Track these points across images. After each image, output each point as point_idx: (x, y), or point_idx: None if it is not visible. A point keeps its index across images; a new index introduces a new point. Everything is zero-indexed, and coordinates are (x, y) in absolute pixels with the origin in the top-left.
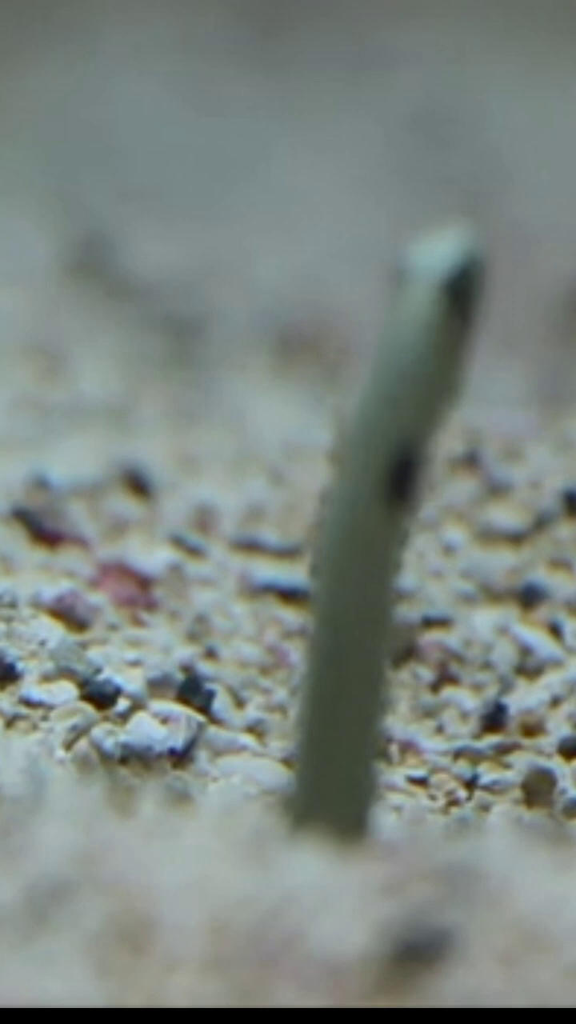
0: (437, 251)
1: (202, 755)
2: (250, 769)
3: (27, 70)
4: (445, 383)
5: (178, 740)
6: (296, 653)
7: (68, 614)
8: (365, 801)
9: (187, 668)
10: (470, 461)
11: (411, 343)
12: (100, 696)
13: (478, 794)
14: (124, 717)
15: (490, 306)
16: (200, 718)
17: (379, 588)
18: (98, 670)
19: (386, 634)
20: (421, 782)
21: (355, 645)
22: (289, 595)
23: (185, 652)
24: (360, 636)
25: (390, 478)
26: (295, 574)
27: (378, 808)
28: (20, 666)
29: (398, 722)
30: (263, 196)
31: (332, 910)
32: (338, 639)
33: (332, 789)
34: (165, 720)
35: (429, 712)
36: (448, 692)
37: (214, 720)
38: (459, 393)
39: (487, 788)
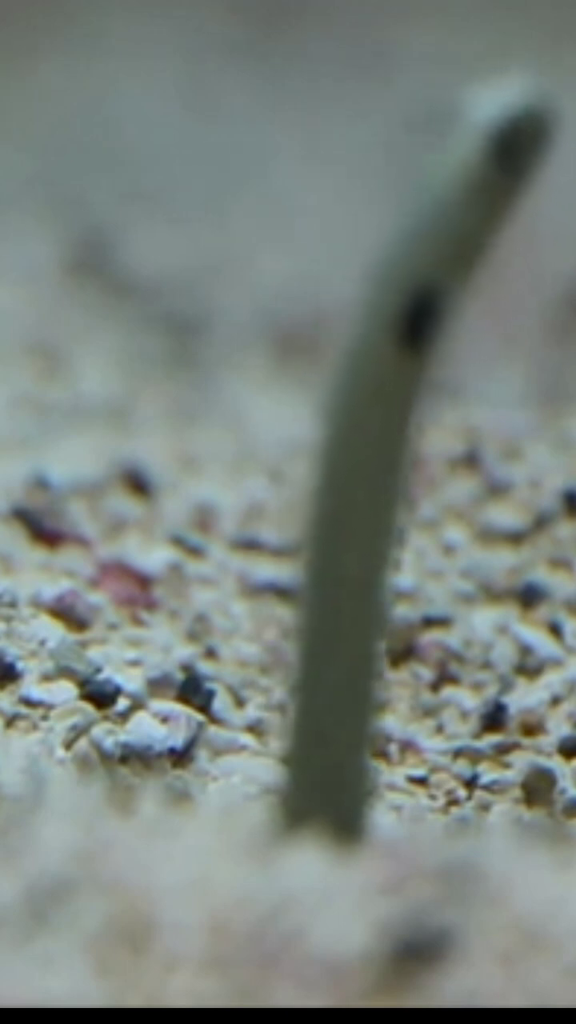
0: (495, 100)
1: (202, 755)
2: (250, 769)
3: (29, 71)
4: (477, 234)
5: (178, 739)
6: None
7: (68, 614)
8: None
9: (187, 668)
10: (470, 461)
11: (445, 188)
12: (100, 695)
13: (478, 794)
14: (124, 717)
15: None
16: (200, 718)
17: (389, 447)
18: (98, 669)
19: (394, 498)
20: (421, 782)
21: (359, 514)
22: (289, 594)
23: (185, 652)
24: (365, 495)
25: (405, 320)
26: (295, 573)
27: (373, 804)
28: (20, 666)
29: (398, 722)
30: (263, 196)
31: (332, 910)
32: (341, 503)
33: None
34: (165, 720)
35: (429, 712)
36: (448, 692)
37: (214, 720)
38: (492, 250)
39: (487, 788)
